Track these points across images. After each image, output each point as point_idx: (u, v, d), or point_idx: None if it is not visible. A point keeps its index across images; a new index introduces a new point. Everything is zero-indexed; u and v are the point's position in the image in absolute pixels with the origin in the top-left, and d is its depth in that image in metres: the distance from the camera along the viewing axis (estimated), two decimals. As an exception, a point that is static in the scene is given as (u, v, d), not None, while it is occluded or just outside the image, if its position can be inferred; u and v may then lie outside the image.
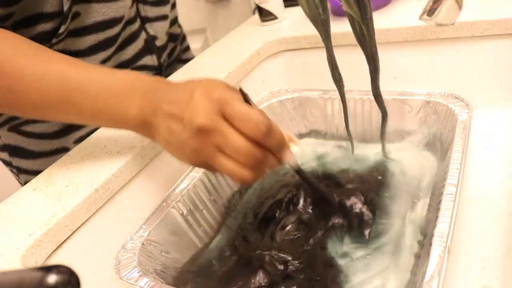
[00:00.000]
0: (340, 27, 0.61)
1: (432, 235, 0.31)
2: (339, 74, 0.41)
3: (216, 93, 0.33)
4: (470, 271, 0.36)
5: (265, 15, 0.74)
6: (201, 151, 0.34)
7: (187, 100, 0.34)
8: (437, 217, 0.33)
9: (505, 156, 0.47)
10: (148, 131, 0.38)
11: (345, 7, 0.36)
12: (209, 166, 0.35)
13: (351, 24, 0.37)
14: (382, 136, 0.48)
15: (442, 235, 0.31)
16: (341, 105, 0.45)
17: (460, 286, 0.35)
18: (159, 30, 0.63)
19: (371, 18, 0.36)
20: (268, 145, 0.34)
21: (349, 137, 0.49)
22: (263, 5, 0.73)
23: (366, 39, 0.37)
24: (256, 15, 0.77)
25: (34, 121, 0.56)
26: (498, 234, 0.38)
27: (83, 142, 0.48)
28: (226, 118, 0.33)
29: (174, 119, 0.35)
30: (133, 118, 0.38)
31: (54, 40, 0.50)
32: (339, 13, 0.67)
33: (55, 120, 0.45)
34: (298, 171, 0.40)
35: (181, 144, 0.35)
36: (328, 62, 0.40)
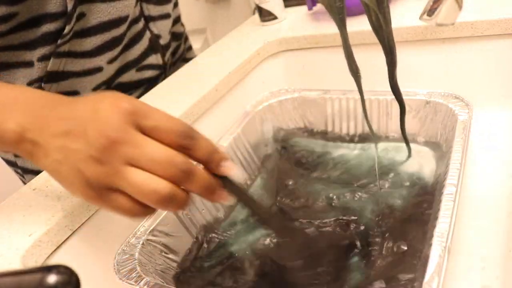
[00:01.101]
0: (350, 26, 0.61)
1: (432, 235, 0.31)
2: (356, 64, 0.39)
3: (124, 103, 0.28)
4: (470, 271, 0.36)
5: (265, 15, 0.74)
6: (105, 167, 0.27)
7: (90, 115, 0.28)
8: (437, 217, 0.33)
9: (505, 156, 0.47)
10: (30, 151, 0.31)
11: None
12: (109, 193, 0.28)
13: (367, 13, 0.37)
14: (403, 128, 0.46)
15: (442, 235, 0.31)
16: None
17: (460, 286, 0.35)
18: (162, 29, 0.64)
19: (387, 6, 0.36)
20: (197, 154, 0.29)
21: (368, 127, 0.46)
22: (263, 5, 0.73)
23: (382, 28, 0.37)
24: (256, 15, 0.77)
25: None
26: (498, 234, 0.38)
27: (83, 142, 0.48)
28: (143, 130, 0.28)
29: (71, 136, 0.29)
30: (8, 134, 0.32)
31: (59, 41, 0.50)
32: (348, 12, 0.66)
33: None
34: (239, 189, 0.33)
35: (79, 164, 0.28)
36: (344, 51, 0.38)
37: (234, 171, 0.32)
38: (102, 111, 0.28)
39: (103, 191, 0.28)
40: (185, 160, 0.28)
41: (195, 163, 0.29)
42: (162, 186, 0.27)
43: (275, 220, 0.38)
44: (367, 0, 0.35)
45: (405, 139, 0.47)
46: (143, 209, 0.29)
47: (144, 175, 0.27)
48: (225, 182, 0.31)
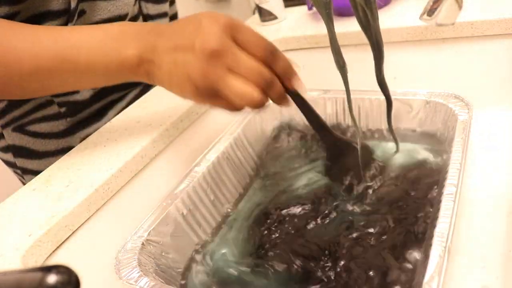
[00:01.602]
0: (342, 27, 0.61)
1: (432, 235, 0.31)
2: (343, 59, 0.41)
3: (224, 20, 0.34)
4: (470, 271, 0.36)
5: (265, 15, 0.74)
6: (210, 74, 0.34)
7: (194, 30, 0.35)
8: (437, 217, 0.33)
9: (505, 156, 0.47)
10: (147, 70, 0.38)
11: None
12: (214, 95, 0.35)
13: (354, 9, 0.37)
14: (389, 122, 0.47)
15: (442, 235, 0.31)
16: (342, 105, 0.45)
17: (460, 286, 0.35)
18: None
19: (375, 1, 0.36)
20: (277, 68, 0.35)
21: (353, 122, 0.47)
22: (263, 5, 0.73)
23: (370, 24, 0.37)
24: (256, 15, 0.77)
25: (40, 121, 0.56)
26: (498, 234, 0.38)
27: (83, 142, 0.48)
28: (237, 43, 0.34)
29: (180, 50, 0.35)
30: (129, 58, 0.38)
31: None
32: (341, 13, 0.67)
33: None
34: (302, 100, 0.40)
35: (188, 73, 0.35)
36: (331, 46, 0.40)
37: (302, 88, 0.39)
38: (205, 26, 0.34)
39: (209, 93, 0.35)
40: (270, 73, 0.35)
41: None
42: (255, 92, 0.34)
43: (328, 134, 0.43)
44: None
45: (392, 133, 0.48)
46: (239, 108, 0.36)
47: (241, 83, 0.34)
48: (291, 93, 0.39)
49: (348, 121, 0.54)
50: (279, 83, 0.36)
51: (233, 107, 0.36)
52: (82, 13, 0.51)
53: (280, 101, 0.38)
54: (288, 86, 0.37)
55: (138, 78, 0.40)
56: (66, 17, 0.49)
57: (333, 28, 0.39)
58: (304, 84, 0.38)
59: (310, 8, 0.73)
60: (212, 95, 0.36)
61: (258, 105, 0.35)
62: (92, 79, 0.42)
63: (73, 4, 0.48)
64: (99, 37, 0.39)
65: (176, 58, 0.35)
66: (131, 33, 0.39)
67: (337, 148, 0.43)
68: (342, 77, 0.43)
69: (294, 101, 0.39)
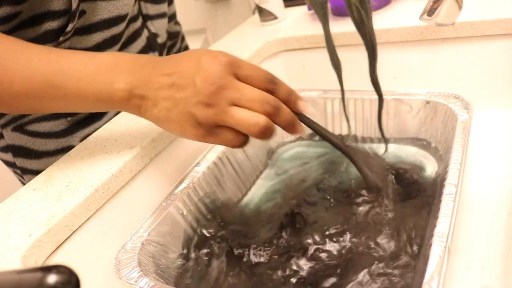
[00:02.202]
0: (341, 27, 0.61)
1: (432, 235, 0.31)
2: (338, 59, 0.42)
3: (224, 58, 0.35)
4: (470, 271, 0.36)
5: (265, 15, 0.74)
6: (214, 109, 0.34)
7: (194, 67, 0.35)
8: (437, 217, 0.33)
9: (505, 156, 0.47)
10: (138, 105, 0.38)
11: None
12: (216, 130, 0.35)
13: (349, 9, 0.38)
14: (379, 120, 0.48)
15: (442, 235, 0.31)
16: (342, 105, 0.45)
17: (460, 286, 0.35)
18: (160, 27, 0.64)
19: (369, 2, 0.36)
20: (280, 95, 0.36)
21: (346, 121, 0.51)
22: (263, 5, 0.73)
23: (364, 23, 0.38)
24: (256, 15, 0.77)
25: (40, 120, 0.56)
26: (498, 234, 0.38)
27: (83, 142, 0.48)
28: (238, 78, 0.35)
29: (178, 87, 0.35)
30: (119, 92, 0.38)
31: (61, 39, 0.50)
32: (340, 13, 0.67)
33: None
34: (312, 122, 0.40)
35: (190, 110, 0.35)
36: (327, 46, 0.41)
37: (309, 109, 0.39)
38: (204, 64, 0.35)
39: (211, 129, 0.35)
40: (275, 99, 0.36)
41: None
42: (262, 119, 0.34)
43: (348, 149, 0.42)
44: None
45: (381, 132, 0.49)
46: (244, 140, 0.36)
47: (247, 111, 0.34)
48: (301, 117, 0.39)
49: (342, 125, 0.54)
50: (286, 108, 0.36)
51: (238, 139, 0.36)
52: (83, 13, 0.51)
53: (291, 127, 0.37)
54: (294, 109, 0.38)
55: (128, 111, 0.40)
56: (67, 17, 0.49)
57: (329, 28, 0.39)
58: (309, 105, 0.39)
59: (310, 8, 0.73)
60: (214, 130, 0.36)
61: (266, 131, 0.35)
62: (81, 106, 0.41)
63: (74, 5, 0.48)
64: (91, 66, 0.39)
65: (174, 95, 0.35)
66: (125, 65, 0.38)
67: (357, 160, 0.43)
68: (337, 76, 0.43)
69: (305, 124, 0.39)
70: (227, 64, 0.34)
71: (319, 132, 0.41)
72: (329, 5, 0.40)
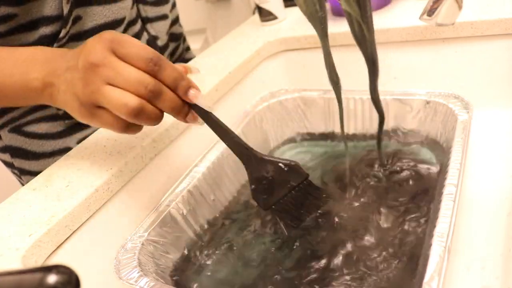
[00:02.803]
0: (341, 27, 0.61)
1: (432, 235, 0.31)
2: (337, 75, 0.41)
3: (106, 34, 0.34)
4: (470, 271, 0.36)
5: (265, 15, 0.74)
6: (89, 87, 0.33)
7: (81, 48, 0.35)
8: (437, 217, 0.33)
9: (505, 156, 0.47)
10: (50, 93, 0.38)
11: (343, 5, 0.35)
12: (96, 111, 0.34)
13: (349, 23, 0.37)
14: (379, 139, 0.47)
15: (442, 235, 0.31)
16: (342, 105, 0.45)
17: (460, 286, 0.35)
18: (160, 30, 0.64)
19: (371, 16, 0.35)
20: (164, 78, 0.33)
21: (343, 139, 0.49)
22: (263, 5, 0.73)
23: (366, 38, 0.37)
24: (256, 15, 0.77)
25: (37, 121, 0.56)
26: (498, 234, 0.38)
27: (83, 142, 0.48)
28: (118, 56, 0.33)
29: (69, 70, 0.35)
30: (33, 82, 0.38)
31: (55, 45, 0.50)
32: (338, 13, 0.67)
33: None
34: (206, 114, 0.36)
35: (74, 89, 0.34)
36: (325, 62, 0.40)
37: (199, 99, 0.35)
38: (88, 43, 0.34)
39: (92, 109, 0.34)
40: (154, 81, 0.33)
41: None
42: (131, 99, 0.32)
43: (240, 147, 0.38)
44: (350, 9, 0.35)
45: (379, 150, 0.48)
46: (124, 123, 0.34)
47: (119, 91, 0.32)
48: (195, 108, 0.35)
49: (348, 123, 0.54)
50: (170, 93, 0.34)
51: (118, 123, 0.34)
52: (78, 19, 0.51)
53: (177, 114, 0.35)
54: (184, 98, 0.35)
55: (45, 102, 0.39)
56: (61, 22, 0.49)
57: (328, 44, 0.38)
58: (200, 95, 0.35)
59: (310, 8, 0.73)
60: (95, 112, 0.34)
61: (137, 114, 0.32)
62: (6, 100, 0.42)
63: (65, 10, 0.48)
64: (11, 59, 0.40)
65: (67, 77, 0.35)
66: (41, 56, 0.39)
67: (259, 169, 0.39)
68: (335, 93, 0.42)
69: (200, 117, 0.36)
70: (107, 41, 0.33)
71: (215, 129, 0.37)
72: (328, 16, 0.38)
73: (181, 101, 0.35)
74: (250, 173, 0.39)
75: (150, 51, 0.33)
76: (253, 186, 0.39)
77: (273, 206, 0.39)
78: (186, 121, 0.36)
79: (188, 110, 0.36)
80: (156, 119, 0.34)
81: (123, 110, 0.32)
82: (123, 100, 0.32)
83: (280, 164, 0.39)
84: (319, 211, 0.42)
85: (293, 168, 0.39)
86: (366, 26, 0.36)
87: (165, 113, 0.35)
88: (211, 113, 0.36)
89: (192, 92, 0.35)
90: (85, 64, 0.33)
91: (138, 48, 0.33)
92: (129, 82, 0.32)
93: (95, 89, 0.33)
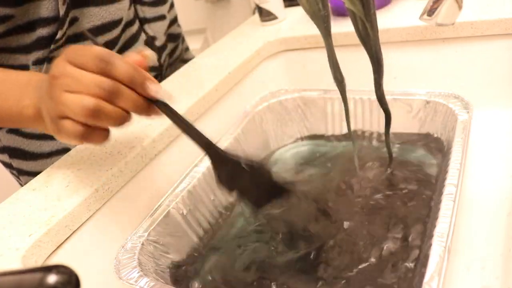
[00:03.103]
0: (342, 27, 0.61)
1: (432, 235, 0.31)
2: (341, 73, 0.40)
3: (67, 49, 0.34)
4: (470, 271, 0.36)
5: (265, 15, 0.74)
6: (52, 99, 0.33)
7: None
8: (437, 217, 0.33)
9: (505, 156, 0.47)
10: (40, 119, 0.38)
11: (347, 4, 0.35)
12: (61, 123, 0.33)
13: (353, 22, 0.36)
14: (387, 138, 0.47)
15: (442, 235, 0.31)
16: (342, 105, 0.45)
17: (460, 286, 0.35)
18: (158, 30, 0.64)
19: (374, 14, 0.35)
20: (118, 76, 0.32)
21: (350, 137, 0.48)
22: (263, 5, 0.73)
23: (370, 37, 0.36)
24: (256, 15, 0.77)
25: None
26: (498, 234, 0.38)
27: (83, 142, 0.48)
28: (75, 65, 0.33)
29: (45, 91, 0.35)
30: (26, 108, 0.39)
31: (52, 46, 0.50)
32: (340, 13, 0.67)
33: None
34: (166, 106, 0.35)
35: (46, 107, 0.35)
36: (329, 61, 0.39)
37: (160, 93, 0.34)
38: (53, 61, 0.34)
39: (57, 122, 0.33)
40: (110, 81, 0.32)
41: None
42: (88, 100, 0.32)
43: (202, 140, 0.37)
44: (354, 8, 0.35)
45: (388, 148, 0.47)
46: (87, 129, 0.33)
47: (75, 95, 0.32)
48: (159, 104, 0.34)
49: (343, 125, 0.53)
50: (128, 90, 0.33)
51: (77, 129, 0.33)
52: (75, 20, 0.51)
53: (139, 111, 0.34)
54: (144, 94, 0.33)
55: (40, 128, 0.39)
56: (57, 24, 0.49)
57: (332, 42, 0.38)
58: (161, 89, 0.34)
59: (310, 8, 0.73)
60: (60, 124, 0.34)
61: (97, 114, 0.32)
62: (2, 123, 0.42)
63: (61, 11, 0.48)
64: (8, 82, 0.40)
65: (44, 99, 0.35)
66: (35, 82, 0.39)
67: (224, 167, 0.38)
68: (340, 92, 0.41)
69: (163, 112, 0.35)
70: (65, 54, 0.33)
71: (178, 124, 0.36)
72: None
73: (141, 98, 0.34)
74: (215, 165, 0.38)
75: (100, 51, 0.32)
76: (217, 177, 0.38)
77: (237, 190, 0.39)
78: (148, 117, 0.35)
79: (149, 106, 0.34)
80: (119, 118, 0.33)
81: (81, 112, 0.32)
82: (80, 102, 0.32)
83: (242, 164, 0.38)
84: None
85: (255, 167, 0.38)
86: (370, 25, 0.35)
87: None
88: (173, 111, 0.35)
89: (151, 86, 0.34)
90: (49, 80, 0.33)
91: (91, 51, 0.32)
92: (84, 85, 0.32)
93: (56, 99, 0.33)
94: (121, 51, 0.58)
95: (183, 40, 0.75)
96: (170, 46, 0.69)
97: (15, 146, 0.58)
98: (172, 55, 0.70)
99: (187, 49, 0.77)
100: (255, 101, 0.56)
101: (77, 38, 0.52)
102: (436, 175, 0.45)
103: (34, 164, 0.58)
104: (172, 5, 0.69)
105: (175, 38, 0.70)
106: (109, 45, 0.55)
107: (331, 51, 0.38)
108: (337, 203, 0.45)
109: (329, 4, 0.50)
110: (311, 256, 0.39)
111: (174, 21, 0.70)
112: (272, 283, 0.38)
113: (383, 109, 0.44)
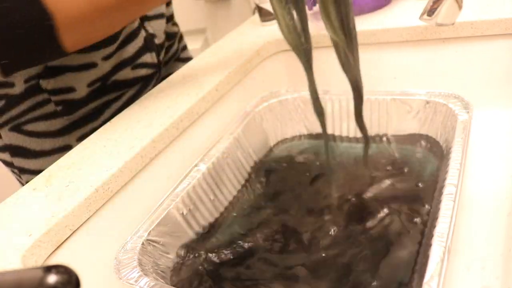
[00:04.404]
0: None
1: (432, 235, 0.31)
2: (321, 105, 0.41)
3: None
4: (470, 271, 0.36)
5: (265, 15, 0.74)
6: None
7: None
8: (437, 217, 0.33)
9: (505, 156, 0.47)
10: None
11: (330, 34, 0.35)
12: None
13: (336, 49, 0.37)
14: (365, 161, 0.48)
15: (442, 235, 0.31)
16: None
17: (460, 286, 0.35)
18: (157, 28, 0.64)
19: (356, 45, 0.36)
20: None
21: (327, 164, 0.49)
22: (263, 5, 0.73)
23: (351, 66, 0.37)
24: (256, 15, 0.77)
25: (36, 120, 0.56)
26: (498, 234, 0.38)
27: (83, 142, 0.48)
28: None
29: None
30: None
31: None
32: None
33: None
34: None
35: None
36: (310, 93, 0.40)
37: None
38: None
39: None
40: None
41: None
42: None
43: None
44: (337, 38, 0.35)
45: (366, 164, 0.48)
46: None
47: None
48: None
49: (342, 125, 0.54)
50: None
51: None
52: None
53: None
54: None
55: None
56: None
57: (313, 75, 0.38)
58: None
59: (310, 9, 0.73)
60: None
61: None
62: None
63: None
64: None
65: None
66: None
67: None
68: (320, 123, 0.42)
69: None
70: None
71: None
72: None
73: None
74: None
75: None
76: None
77: None
78: None
79: None
80: None
81: None
82: None
83: None
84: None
85: None
86: (351, 53, 0.36)
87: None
88: None
89: None
90: None
91: None
92: None
93: None
94: (120, 46, 0.59)
95: (181, 39, 0.76)
96: (165, 44, 0.69)
97: (16, 144, 0.58)
98: (167, 54, 0.70)
99: (184, 48, 0.77)
100: (255, 101, 0.56)
101: None
102: (436, 175, 0.45)
103: (35, 162, 0.58)
104: (168, 3, 0.69)
105: (170, 36, 0.71)
106: (111, 39, 0.56)
107: (312, 85, 0.39)
108: (333, 205, 0.45)
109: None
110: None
111: (170, 18, 0.70)
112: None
113: (362, 134, 0.45)
